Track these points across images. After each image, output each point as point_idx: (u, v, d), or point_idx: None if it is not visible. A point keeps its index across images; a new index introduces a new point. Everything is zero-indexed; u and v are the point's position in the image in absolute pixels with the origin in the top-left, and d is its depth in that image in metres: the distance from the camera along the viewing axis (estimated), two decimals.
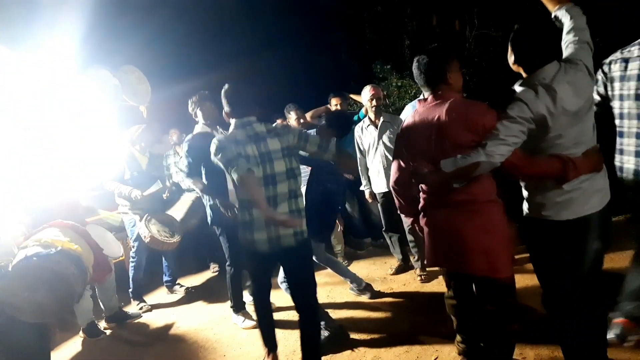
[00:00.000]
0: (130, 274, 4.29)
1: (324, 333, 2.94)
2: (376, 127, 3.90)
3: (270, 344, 2.75)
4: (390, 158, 3.66)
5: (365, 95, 3.93)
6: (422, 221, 2.26)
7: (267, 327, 2.77)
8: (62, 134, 3.43)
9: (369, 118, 3.97)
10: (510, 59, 2.03)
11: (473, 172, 1.91)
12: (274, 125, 2.58)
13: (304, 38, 8.04)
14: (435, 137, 2.02)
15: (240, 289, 3.60)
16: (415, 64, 2.14)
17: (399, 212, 2.50)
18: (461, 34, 7.39)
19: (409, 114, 2.38)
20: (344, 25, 8.66)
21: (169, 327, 3.81)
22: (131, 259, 4.29)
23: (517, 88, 1.96)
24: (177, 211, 4.19)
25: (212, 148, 2.35)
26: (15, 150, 2.95)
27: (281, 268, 3.01)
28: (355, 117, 4.51)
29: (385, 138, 3.84)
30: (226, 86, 2.48)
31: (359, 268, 4.43)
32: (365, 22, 8.24)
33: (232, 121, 2.46)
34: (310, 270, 2.57)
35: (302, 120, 4.15)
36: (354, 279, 3.69)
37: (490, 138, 1.87)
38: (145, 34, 5.69)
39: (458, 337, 2.44)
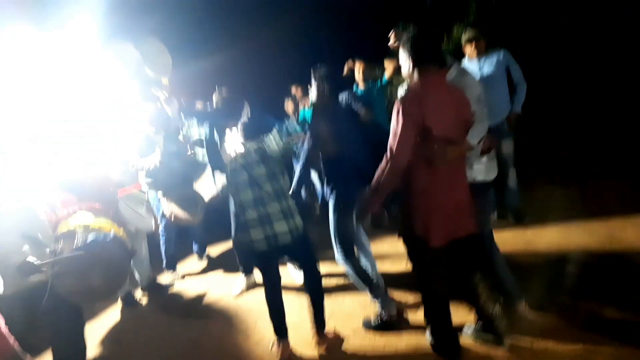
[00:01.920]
0: (162, 248, 4.39)
1: (381, 316, 2.89)
2: None
3: (282, 332, 2.79)
4: None
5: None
6: (426, 200, 2.20)
7: (279, 316, 2.80)
8: (89, 110, 3.46)
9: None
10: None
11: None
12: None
13: (322, 5, 7.80)
14: (456, 112, 2.18)
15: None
16: (415, 37, 2.21)
17: (384, 191, 2.23)
18: None
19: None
20: None
21: (201, 296, 3.94)
22: (161, 235, 4.37)
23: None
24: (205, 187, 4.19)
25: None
26: (43, 127, 2.98)
27: None
28: (379, 83, 4.42)
29: None
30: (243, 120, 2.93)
31: (381, 245, 4.34)
32: None
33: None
34: (311, 253, 2.86)
35: None
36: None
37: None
38: (167, 7, 5.62)
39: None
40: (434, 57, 2.23)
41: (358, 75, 4.39)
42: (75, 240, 2.37)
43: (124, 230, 2.60)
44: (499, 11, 6.59)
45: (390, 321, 2.86)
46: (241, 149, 2.74)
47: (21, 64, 2.87)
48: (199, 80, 4.15)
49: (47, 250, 2.40)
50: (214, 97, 3.93)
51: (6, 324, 2.85)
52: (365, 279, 2.90)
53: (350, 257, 2.91)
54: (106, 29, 3.49)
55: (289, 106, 5.45)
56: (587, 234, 3.64)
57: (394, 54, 3.90)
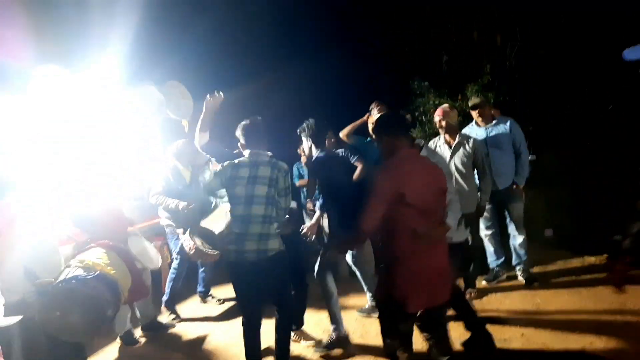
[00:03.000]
0: (169, 284, 4.36)
1: (332, 337, 3.33)
2: (450, 147, 3.79)
3: None
4: (462, 182, 3.65)
5: (435, 118, 3.92)
6: (407, 267, 2.24)
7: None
8: (109, 147, 3.58)
9: (444, 138, 3.88)
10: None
11: None
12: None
13: (339, 53, 8.07)
14: (432, 181, 2.30)
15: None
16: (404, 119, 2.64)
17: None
18: (502, 50, 7.24)
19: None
20: (380, 39, 8.60)
21: (201, 340, 3.87)
22: (172, 270, 4.35)
23: None
24: (214, 222, 4.22)
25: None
26: (64, 163, 3.09)
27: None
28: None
29: (457, 159, 3.74)
30: (245, 122, 2.90)
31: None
32: (403, 36, 8.15)
33: (246, 151, 2.84)
34: (287, 281, 2.98)
35: (333, 140, 4.11)
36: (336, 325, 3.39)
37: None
38: (187, 50, 5.88)
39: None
40: (403, 131, 2.44)
41: (370, 127, 4.48)
42: (64, 275, 2.43)
43: (120, 271, 2.64)
44: (514, 72, 6.72)
45: (338, 340, 3.30)
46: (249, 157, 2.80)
47: (52, 102, 3.02)
48: (217, 123, 4.27)
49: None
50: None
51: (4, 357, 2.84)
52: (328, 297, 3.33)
53: (324, 275, 3.35)
54: (129, 72, 3.66)
55: (301, 150, 5.56)
56: (597, 300, 3.54)
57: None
